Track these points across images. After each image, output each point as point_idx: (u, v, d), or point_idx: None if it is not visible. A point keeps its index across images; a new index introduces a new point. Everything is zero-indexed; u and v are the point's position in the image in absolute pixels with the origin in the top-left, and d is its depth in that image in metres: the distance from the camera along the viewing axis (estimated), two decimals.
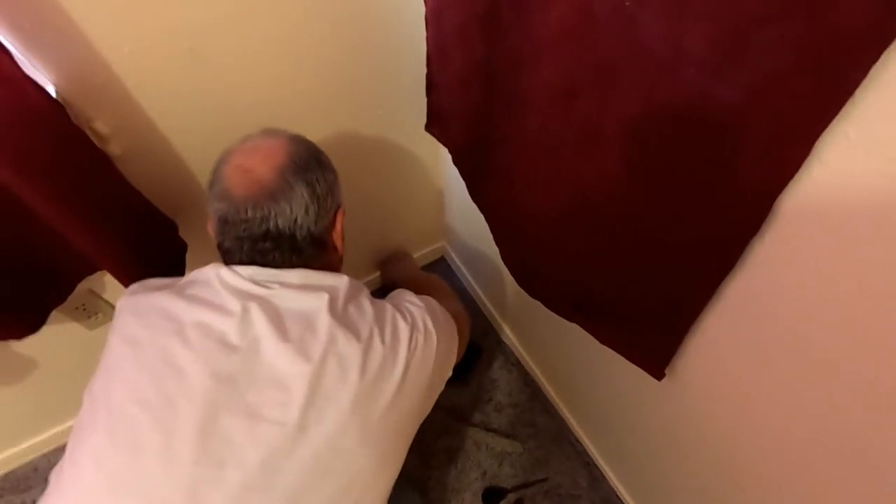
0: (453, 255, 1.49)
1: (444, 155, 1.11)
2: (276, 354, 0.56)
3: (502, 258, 0.86)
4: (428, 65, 0.82)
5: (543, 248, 0.73)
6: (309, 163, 0.63)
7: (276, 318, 0.58)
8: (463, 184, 0.93)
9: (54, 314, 0.90)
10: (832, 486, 0.57)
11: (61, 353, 1.02)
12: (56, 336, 0.97)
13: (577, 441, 1.21)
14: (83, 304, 0.96)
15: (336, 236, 0.68)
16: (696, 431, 0.75)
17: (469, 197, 0.94)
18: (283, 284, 0.60)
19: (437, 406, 1.26)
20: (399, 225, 1.36)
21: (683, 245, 0.52)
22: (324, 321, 0.58)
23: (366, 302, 0.64)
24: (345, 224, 0.70)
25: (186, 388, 0.54)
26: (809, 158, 0.38)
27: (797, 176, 0.39)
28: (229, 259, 0.63)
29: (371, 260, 1.41)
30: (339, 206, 0.68)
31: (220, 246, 0.64)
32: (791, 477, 0.62)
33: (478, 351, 1.36)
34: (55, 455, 1.21)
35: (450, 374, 0.75)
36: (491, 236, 0.94)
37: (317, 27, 0.79)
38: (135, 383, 0.55)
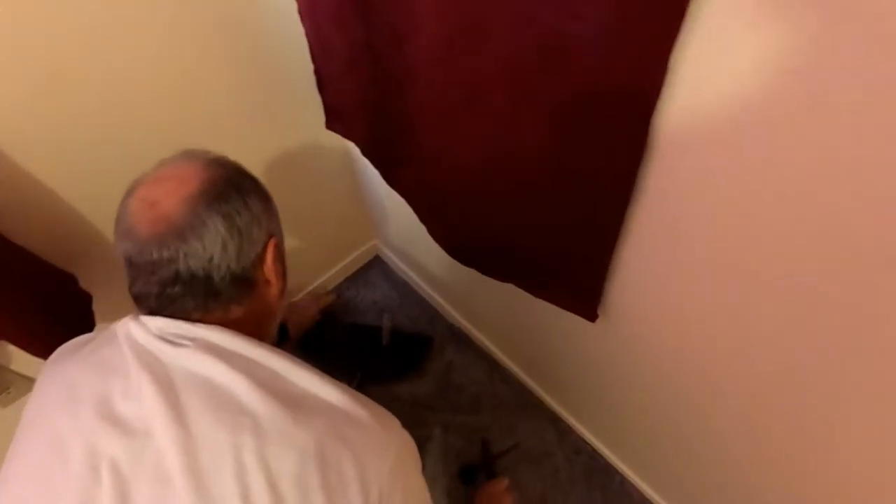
0: (386, 251, 1.48)
1: (357, 154, 1.10)
2: (164, 440, 0.47)
3: (431, 235, 0.87)
4: (313, 60, 0.81)
5: (464, 216, 0.75)
6: (227, 191, 0.55)
7: (172, 392, 0.49)
8: (379, 178, 0.93)
9: None
10: (765, 388, 0.62)
11: None
12: None
13: (540, 401, 1.25)
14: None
15: (268, 271, 0.58)
16: (635, 362, 0.79)
17: (389, 189, 0.93)
18: (195, 342, 0.52)
19: (401, 400, 1.28)
20: (325, 232, 1.34)
21: (584, 182, 0.55)
22: (244, 398, 0.49)
23: (302, 373, 0.53)
24: (284, 254, 0.63)
25: (67, 478, 0.47)
26: (669, 77, 0.41)
27: (664, 97, 0.43)
28: (140, 306, 0.55)
29: (304, 271, 1.38)
30: (269, 236, 0.59)
31: (130, 291, 0.55)
32: (724, 386, 0.67)
33: (428, 340, 1.36)
34: None
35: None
36: (420, 228, 0.94)
37: (191, 36, 0.75)
38: (25, 461, 0.50)
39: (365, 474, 0.50)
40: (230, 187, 0.55)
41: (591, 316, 0.72)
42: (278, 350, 0.54)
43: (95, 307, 0.84)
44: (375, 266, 1.52)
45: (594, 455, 1.18)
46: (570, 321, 0.83)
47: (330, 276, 1.45)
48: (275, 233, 0.60)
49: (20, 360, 0.90)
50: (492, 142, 0.59)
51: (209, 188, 0.54)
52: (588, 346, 0.87)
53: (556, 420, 1.23)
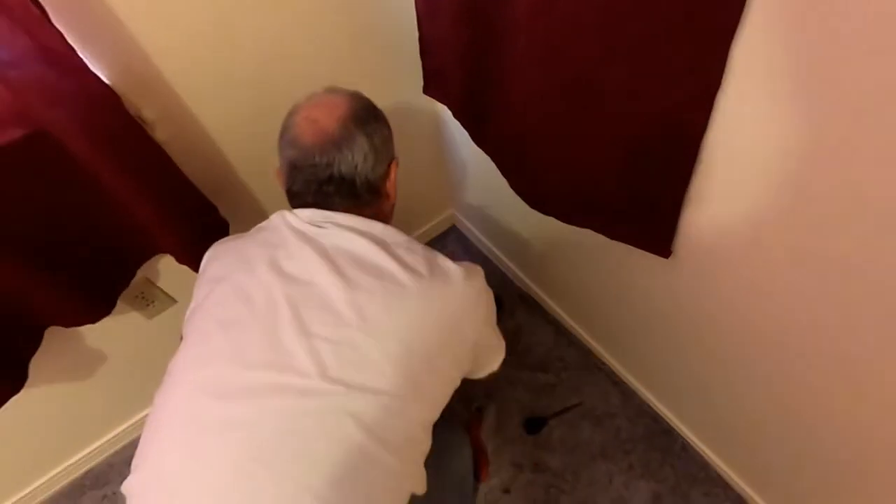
0: (462, 219, 1.59)
1: (445, 122, 1.21)
2: (324, 287, 0.62)
3: (513, 188, 0.96)
4: (419, 25, 0.93)
5: (547, 164, 0.83)
6: (368, 116, 0.71)
7: (326, 257, 0.64)
8: (465, 147, 1.03)
9: (119, 306, 1.00)
10: (837, 346, 0.64)
11: (126, 344, 1.12)
12: (120, 327, 1.07)
13: (605, 364, 1.30)
14: (142, 293, 1.06)
15: (390, 185, 0.75)
16: (702, 308, 0.83)
17: (472, 156, 1.03)
18: (335, 224, 0.67)
19: None
20: (407, 197, 1.45)
21: (660, 118, 0.61)
22: (373, 258, 0.65)
23: (415, 246, 0.70)
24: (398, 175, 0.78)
25: (251, 310, 0.62)
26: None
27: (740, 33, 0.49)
28: (296, 201, 0.71)
29: None
30: (392, 158, 0.75)
31: (288, 190, 0.72)
32: (792, 341, 0.70)
33: (499, 302, 1.45)
34: (128, 450, 1.30)
35: (500, 358, 0.84)
36: (496, 194, 1.02)
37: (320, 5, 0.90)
38: (214, 309, 0.65)
39: (464, 327, 0.69)
40: (370, 114, 0.71)
41: (665, 252, 0.78)
42: (398, 230, 0.70)
43: (231, 232, 1.01)
44: (451, 234, 1.63)
45: (657, 418, 1.21)
46: (641, 269, 0.89)
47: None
48: (395, 155, 0.76)
49: (165, 279, 1.09)
50: (578, 87, 0.67)
51: (357, 112, 0.70)
52: (657, 294, 0.92)
53: (619, 383, 1.28)
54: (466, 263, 0.73)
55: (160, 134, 0.85)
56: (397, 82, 1.12)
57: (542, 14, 0.64)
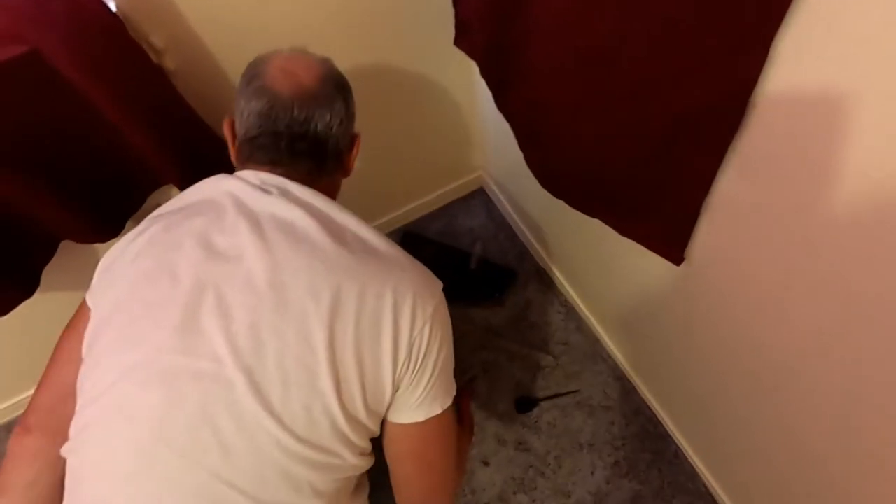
0: (490, 183, 1.52)
1: (478, 82, 1.12)
2: (253, 261, 0.56)
3: (527, 162, 0.89)
4: None
5: (563, 143, 0.75)
6: (345, 83, 0.68)
7: (259, 227, 0.57)
8: (496, 109, 0.95)
9: (130, 226, 1.02)
10: (844, 362, 0.58)
11: None
12: None
13: (609, 356, 1.25)
14: None
15: (351, 159, 0.72)
16: (712, 318, 0.76)
17: (501, 120, 0.95)
18: (284, 193, 0.60)
19: (474, 323, 1.34)
20: (435, 153, 1.40)
21: (686, 113, 0.53)
22: (310, 232, 0.58)
23: (357, 223, 0.62)
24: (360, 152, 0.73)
25: (177, 290, 0.55)
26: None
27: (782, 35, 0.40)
28: (256, 155, 0.64)
29: (407, 189, 1.47)
30: (357, 133, 0.73)
31: (248, 141, 0.65)
32: (808, 357, 0.63)
33: (513, 274, 1.40)
34: None
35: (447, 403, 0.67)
36: (524, 163, 0.95)
37: None
38: (139, 287, 0.58)
39: (402, 317, 0.58)
40: (345, 83, 0.69)
41: (677, 259, 0.70)
42: (346, 209, 0.63)
43: None
44: (478, 196, 1.57)
45: (654, 421, 1.16)
46: (653, 267, 0.82)
47: (435, 196, 1.52)
48: (357, 131, 0.72)
49: None
50: (601, 64, 0.58)
51: (335, 76, 0.67)
52: (667, 296, 0.85)
53: (622, 379, 1.23)
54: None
55: (169, 62, 0.83)
56: (430, 31, 1.04)
57: None
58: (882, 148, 0.41)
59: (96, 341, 0.59)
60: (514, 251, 1.45)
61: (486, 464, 1.17)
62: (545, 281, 1.39)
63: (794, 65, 0.43)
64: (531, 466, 1.15)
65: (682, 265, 0.72)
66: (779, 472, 0.82)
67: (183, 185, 0.94)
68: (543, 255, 1.37)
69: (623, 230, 0.76)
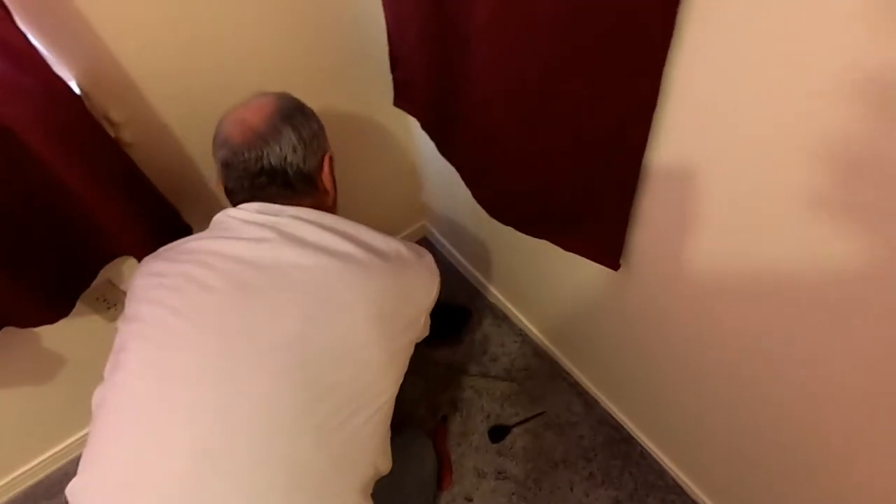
0: (434, 232, 1.61)
1: (417, 135, 1.24)
2: (293, 267, 0.65)
3: (475, 198, 0.99)
4: (389, 40, 0.96)
5: (504, 174, 0.86)
6: (293, 112, 0.75)
7: (292, 240, 0.66)
8: (437, 160, 1.06)
9: (78, 307, 0.99)
10: (783, 355, 0.67)
11: (85, 347, 1.10)
12: (79, 330, 1.06)
13: (568, 374, 1.33)
14: (103, 295, 1.05)
15: (325, 178, 0.78)
16: (655, 319, 0.86)
17: (442, 168, 1.05)
18: (292, 216, 0.69)
19: (437, 364, 1.38)
20: (378, 207, 1.48)
21: (606, 128, 0.65)
22: (337, 246, 0.68)
23: (368, 232, 0.73)
24: (333, 168, 0.81)
25: (212, 296, 0.62)
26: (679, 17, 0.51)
27: (678, 38, 0.53)
28: (235, 199, 0.74)
29: None
30: (325, 151, 0.79)
31: (225, 189, 0.75)
32: (744, 348, 0.72)
33: (468, 312, 1.47)
34: None
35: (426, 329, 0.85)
36: (466, 206, 1.04)
37: (292, 16, 0.92)
38: (164, 298, 0.64)
39: (414, 308, 0.75)
40: (296, 109, 0.75)
41: (614, 264, 0.81)
42: (347, 219, 0.74)
43: None
44: (422, 245, 1.65)
45: (618, 427, 1.24)
46: (596, 279, 0.92)
47: None
48: (328, 149, 0.80)
49: (128, 282, 1.08)
50: (528, 94, 0.70)
51: (282, 108, 0.74)
52: (610, 303, 0.95)
53: (583, 393, 1.30)
54: (414, 246, 0.79)
55: (126, 135, 0.86)
56: (369, 93, 1.15)
57: (498, 23, 0.67)
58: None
59: (125, 358, 0.64)
60: (466, 292, 1.53)
61: (469, 499, 1.17)
62: (498, 314, 1.47)
63: (682, 92, 0.56)
64: (513, 493, 1.17)
65: (620, 270, 0.83)
66: (736, 454, 0.90)
67: (138, 253, 0.94)
68: (494, 291, 1.46)
69: (566, 245, 0.86)
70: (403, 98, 1.08)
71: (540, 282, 1.19)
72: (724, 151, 0.57)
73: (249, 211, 0.70)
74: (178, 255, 0.69)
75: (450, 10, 0.73)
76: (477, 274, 1.50)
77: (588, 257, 0.84)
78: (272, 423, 0.59)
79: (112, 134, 0.83)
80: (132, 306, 0.68)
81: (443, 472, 1.19)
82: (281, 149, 0.72)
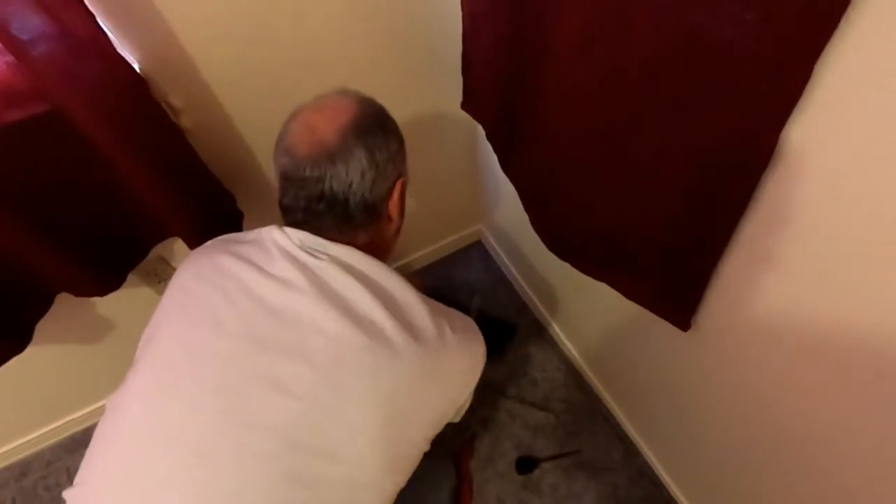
0: (489, 238, 1.54)
1: (481, 139, 1.16)
2: (313, 328, 0.56)
3: (531, 223, 0.91)
4: (464, 42, 0.88)
5: (569, 206, 0.77)
6: (373, 127, 0.62)
7: (322, 294, 0.58)
8: (498, 165, 0.98)
9: (131, 279, 1.01)
10: (853, 440, 0.58)
11: (135, 316, 1.13)
12: (130, 301, 1.08)
13: (611, 415, 1.23)
14: (155, 270, 1.07)
15: (393, 206, 0.67)
16: (719, 385, 0.76)
17: (505, 177, 0.98)
18: (331, 258, 0.60)
19: None
20: (438, 206, 1.43)
21: (700, 185, 0.55)
22: (370, 312, 0.58)
23: (415, 300, 0.62)
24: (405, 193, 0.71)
25: (222, 342, 0.56)
26: (811, 83, 0.41)
27: (801, 103, 0.43)
28: (287, 217, 0.65)
29: (407, 240, 1.47)
30: (399, 176, 0.66)
31: (280, 202, 0.65)
32: (813, 431, 0.63)
33: (513, 329, 1.40)
34: None
35: (466, 404, 0.75)
36: (526, 219, 0.97)
37: (363, 8, 0.86)
38: (179, 326, 0.60)
39: (441, 401, 0.63)
40: (376, 125, 0.63)
41: (685, 325, 0.71)
42: (398, 275, 0.63)
43: (244, 226, 1.00)
44: (476, 249, 1.58)
45: (659, 484, 1.14)
46: (659, 330, 0.82)
47: (433, 249, 1.53)
48: (403, 174, 0.68)
49: (179, 258, 1.09)
50: (614, 131, 0.61)
51: (360, 122, 0.62)
52: (673, 360, 0.85)
53: (624, 438, 1.20)
54: (466, 325, 0.68)
55: (185, 121, 0.85)
56: (439, 92, 1.08)
57: (581, 54, 0.58)
58: None
59: (131, 384, 0.59)
60: (513, 305, 1.45)
61: None
62: (545, 336, 1.39)
63: (802, 157, 0.46)
64: None
65: (689, 331, 0.73)
66: None
67: (189, 238, 0.94)
68: (543, 310, 1.38)
69: (630, 294, 0.77)
70: (472, 103, 1.00)
71: (596, 315, 1.09)
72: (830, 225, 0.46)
73: (292, 240, 0.61)
74: (214, 272, 0.62)
75: (532, 13, 0.64)
76: (528, 289, 1.42)
77: (656, 313, 0.75)
78: None
79: (172, 119, 0.82)
80: (157, 318, 0.65)
81: (462, 495, 1.14)
82: (348, 173, 0.60)
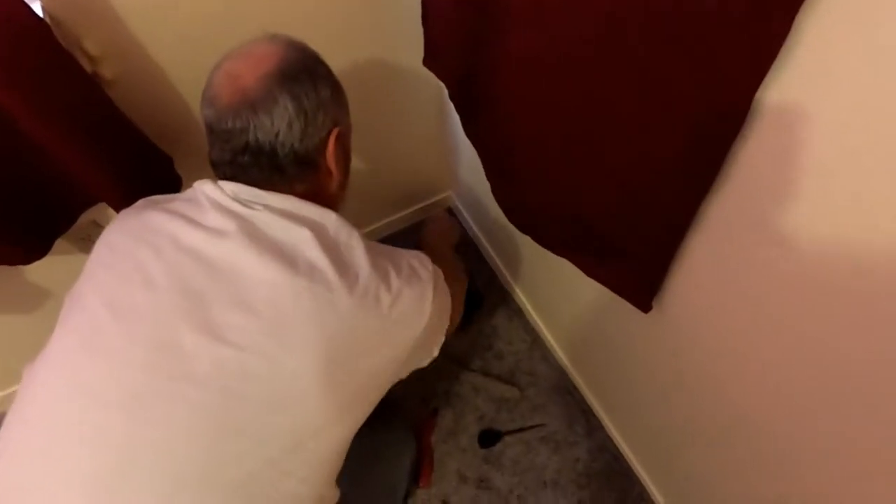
0: (459, 205, 1.47)
1: (448, 104, 1.08)
2: (249, 277, 0.54)
3: (493, 193, 0.85)
4: None
5: (533, 178, 0.71)
6: (299, 74, 0.58)
7: (256, 242, 0.55)
8: None
9: (64, 246, 0.93)
10: (814, 422, 0.55)
11: (69, 282, 1.06)
12: (63, 266, 1.00)
13: (576, 389, 1.21)
14: (89, 235, 0.98)
15: (329, 158, 0.62)
16: (681, 364, 0.73)
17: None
18: (267, 207, 0.57)
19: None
20: (404, 172, 1.35)
21: (667, 157, 0.49)
22: (309, 254, 0.56)
23: (357, 244, 0.60)
24: (349, 148, 0.66)
25: (153, 298, 0.54)
26: (789, 38, 0.35)
27: (778, 61, 0.37)
28: (217, 172, 0.61)
29: (374, 207, 1.41)
30: (334, 125, 0.62)
31: (209, 156, 0.62)
32: (774, 411, 0.60)
33: (480, 298, 1.35)
34: None
35: (434, 353, 0.75)
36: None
37: None
38: (106, 286, 0.56)
39: (403, 342, 0.63)
40: (303, 71, 0.59)
41: (646, 306, 0.67)
42: (339, 216, 0.61)
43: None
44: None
45: (619, 457, 1.13)
46: (622, 308, 0.78)
47: (402, 215, 1.47)
48: (340, 123, 0.63)
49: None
50: (577, 103, 0.55)
51: (284, 68, 0.57)
52: (636, 338, 0.82)
53: (587, 413, 1.19)
54: (414, 268, 0.64)
55: (106, 71, 0.75)
56: (400, 47, 0.99)
57: (539, 11, 0.51)
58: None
59: (50, 348, 0.56)
60: (482, 274, 1.40)
61: (445, 503, 1.11)
62: (512, 307, 1.35)
63: (774, 122, 0.40)
64: None
65: (652, 312, 0.68)
66: None
67: (119, 205, 0.85)
68: (511, 281, 1.33)
69: (594, 275, 0.72)
70: (433, 58, 0.91)
71: (562, 288, 1.05)
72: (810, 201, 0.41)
73: (225, 192, 0.58)
74: (142, 228, 0.59)
75: None
76: (497, 259, 1.37)
77: (616, 292, 0.70)
78: (179, 466, 0.51)
79: (88, 68, 0.72)
80: (82, 279, 0.61)
81: (423, 469, 1.13)
82: (273, 123, 0.57)
